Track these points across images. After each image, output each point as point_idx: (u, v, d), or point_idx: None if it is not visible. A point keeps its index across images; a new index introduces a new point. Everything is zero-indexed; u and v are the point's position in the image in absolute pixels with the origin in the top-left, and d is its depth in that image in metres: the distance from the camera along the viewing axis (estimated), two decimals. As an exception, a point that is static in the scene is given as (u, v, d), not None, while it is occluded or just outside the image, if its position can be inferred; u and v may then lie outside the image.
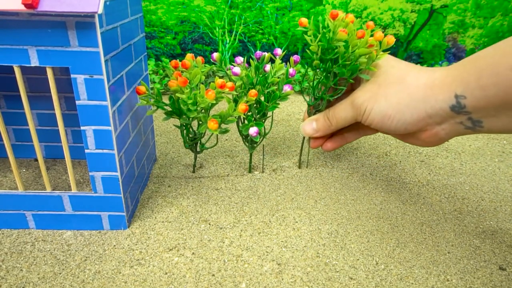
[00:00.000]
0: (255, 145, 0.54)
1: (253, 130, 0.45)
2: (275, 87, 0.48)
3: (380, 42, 0.45)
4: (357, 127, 0.54)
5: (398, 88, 0.44)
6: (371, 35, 0.45)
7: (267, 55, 0.48)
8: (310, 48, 0.47)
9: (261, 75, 0.48)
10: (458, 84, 0.40)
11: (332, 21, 0.44)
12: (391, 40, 0.45)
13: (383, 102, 0.45)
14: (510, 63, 0.36)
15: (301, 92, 0.71)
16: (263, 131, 0.53)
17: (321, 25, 0.46)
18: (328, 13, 0.45)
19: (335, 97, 0.51)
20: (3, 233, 0.41)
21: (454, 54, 1.01)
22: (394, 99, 0.44)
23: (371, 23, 0.46)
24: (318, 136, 0.53)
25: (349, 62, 0.46)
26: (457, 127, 0.43)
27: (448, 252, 0.41)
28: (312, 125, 0.52)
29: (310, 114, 0.54)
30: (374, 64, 0.46)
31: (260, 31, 0.98)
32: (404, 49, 1.00)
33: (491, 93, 0.37)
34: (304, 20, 0.46)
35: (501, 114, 0.39)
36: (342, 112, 0.49)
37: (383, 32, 0.50)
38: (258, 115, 0.50)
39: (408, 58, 1.02)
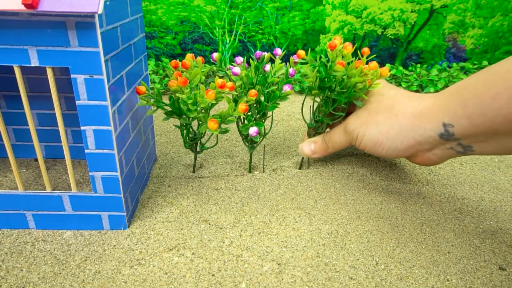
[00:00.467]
0: (255, 145, 0.54)
1: (253, 130, 0.46)
2: (275, 87, 0.48)
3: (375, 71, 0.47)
4: None
5: (387, 116, 0.46)
6: (367, 63, 0.47)
7: (267, 55, 0.49)
8: (309, 80, 0.48)
9: (261, 75, 0.48)
10: (445, 114, 0.41)
11: (331, 52, 0.46)
12: (384, 72, 0.46)
13: (374, 130, 0.47)
14: (493, 93, 0.37)
15: (301, 91, 0.71)
16: (263, 131, 0.53)
17: (318, 56, 0.48)
18: (327, 43, 0.47)
19: (334, 121, 0.53)
20: (3, 233, 0.41)
21: (454, 54, 1.01)
22: (384, 127, 0.46)
23: (366, 50, 0.48)
24: (315, 157, 0.56)
25: (346, 89, 0.48)
26: (448, 152, 0.44)
27: (448, 252, 0.41)
28: (311, 147, 0.55)
29: (309, 135, 0.57)
30: (366, 92, 0.48)
31: (260, 31, 0.98)
32: (404, 49, 1.00)
33: (478, 122, 0.38)
34: (301, 52, 0.48)
35: (490, 140, 0.40)
36: (337, 137, 0.52)
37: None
38: (258, 115, 0.50)
39: (408, 58, 1.02)
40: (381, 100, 0.47)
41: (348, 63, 0.46)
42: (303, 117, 0.57)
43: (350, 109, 0.54)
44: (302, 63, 0.49)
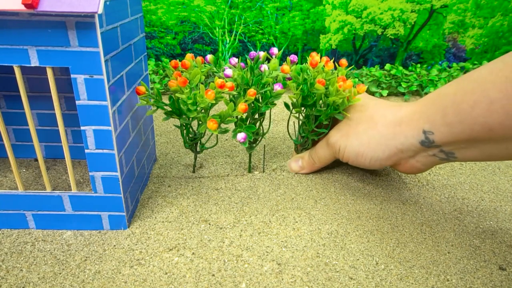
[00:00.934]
0: (253, 145, 0.54)
1: (240, 136, 0.45)
2: (269, 88, 0.48)
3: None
4: None
5: (367, 126, 0.46)
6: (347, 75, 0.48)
7: (262, 54, 0.48)
8: (292, 96, 0.49)
9: (257, 76, 0.48)
10: (425, 121, 0.41)
11: (312, 69, 0.47)
12: (361, 89, 0.47)
13: (355, 141, 0.47)
14: (472, 101, 0.36)
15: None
16: (261, 131, 0.53)
17: (301, 74, 0.49)
18: (309, 60, 0.48)
19: (319, 137, 0.53)
20: (3, 233, 0.41)
21: (454, 54, 1.01)
22: (364, 137, 0.46)
23: (344, 62, 0.50)
24: (304, 173, 0.56)
25: (325, 107, 0.49)
26: (431, 159, 0.44)
27: (448, 252, 0.41)
28: (298, 163, 0.55)
29: (297, 151, 0.57)
30: (347, 107, 0.49)
31: (260, 31, 0.98)
32: (404, 49, 1.00)
33: (457, 130, 0.38)
34: (286, 67, 0.48)
35: (471, 147, 0.40)
36: (321, 151, 0.52)
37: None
38: (252, 116, 0.50)
39: (408, 58, 1.02)
40: (361, 111, 0.47)
41: (329, 80, 0.47)
42: (289, 134, 0.57)
43: (334, 124, 0.54)
44: (287, 78, 0.49)
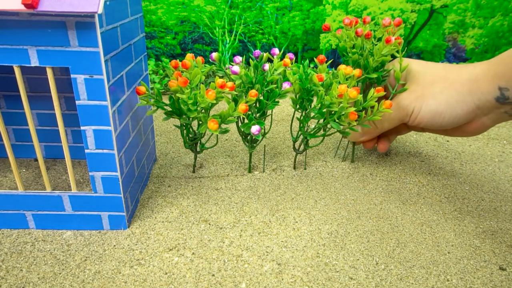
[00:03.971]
0: (255, 144, 0.54)
1: (255, 129, 0.45)
2: (274, 86, 0.48)
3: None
4: (398, 127, 0.56)
5: (443, 86, 0.46)
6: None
7: (265, 55, 0.49)
8: (290, 89, 0.49)
9: (260, 74, 0.48)
10: (500, 78, 0.43)
11: (320, 65, 0.49)
12: (352, 94, 0.46)
13: (432, 101, 0.47)
14: None
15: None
16: (263, 130, 0.53)
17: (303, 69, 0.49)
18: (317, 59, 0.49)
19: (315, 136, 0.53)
20: (3, 233, 0.41)
21: (454, 54, 1.01)
22: (442, 96, 0.46)
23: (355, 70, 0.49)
24: (364, 140, 0.55)
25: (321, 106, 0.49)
26: (502, 116, 0.46)
27: (448, 252, 0.41)
28: (358, 129, 0.55)
29: (296, 151, 0.56)
30: (407, 71, 0.50)
31: (260, 31, 0.98)
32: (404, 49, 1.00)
33: None
34: (287, 60, 0.49)
35: None
36: (387, 115, 0.51)
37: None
38: (257, 114, 0.50)
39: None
40: (432, 73, 0.48)
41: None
42: (291, 133, 0.57)
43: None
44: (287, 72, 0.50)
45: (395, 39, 0.49)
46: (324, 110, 0.48)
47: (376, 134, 0.54)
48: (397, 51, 0.50)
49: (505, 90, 0.43)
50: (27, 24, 0.32)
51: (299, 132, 0.54)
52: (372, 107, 0.48)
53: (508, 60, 0.42)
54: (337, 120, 0.48)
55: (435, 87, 0.47)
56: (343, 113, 0.46)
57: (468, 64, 0.47)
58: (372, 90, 0.47)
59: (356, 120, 0.47)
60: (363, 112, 0.48)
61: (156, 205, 0.47)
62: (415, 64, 0.50)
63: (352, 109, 0.45)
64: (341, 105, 0.45)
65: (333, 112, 0.48)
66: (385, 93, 0.48)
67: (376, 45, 0.50)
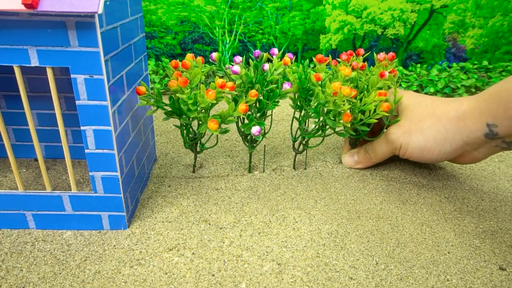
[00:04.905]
0: (255, 144, 0.54)
1: (255, 129, 0.45)
2: (274, 86, 0.48)
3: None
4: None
5: (431, 122, 0.47)
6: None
7: (264, 55, 0.49)
8: (290, 90, 0.49)
9: (259, 74, 0.48)
10: (488, 116, 0.43)
11: (319, 64, 0.49)
12: (345, 92, 0.46)
13: (420, 137, 0.48)
14: None
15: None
16: (263, 130, 0.53)
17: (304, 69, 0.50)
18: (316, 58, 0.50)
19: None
20: (3, 233, 0.41)
21: (454, 54, 1.01)
22: (430, 132, 0.47)
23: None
24: (360, 168, 0.57)
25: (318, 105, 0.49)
26: (494, 149, 0.47)
27: (448, 252, 0.41)
28: (354, 158, 0.56)
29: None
30: (397, 105, 0.51)
31: (260, 31, 0.98)
32: (404, 49, 1.00)
33: None
34: (287, 59, 0.49)
35: None
36: (378, 148, 0.53)
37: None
38: (258, 114, 0.50)
39: (408, 58, 1.02)
40: (420, 108, 0.49)
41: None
42: (292, 133, 0.57)
43: (374, 128, 0.56)
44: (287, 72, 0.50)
45: (390, 72, 0.50)
46: (320, 108, 0.48)
47: (370, 163, 0.56)
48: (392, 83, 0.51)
49: (493, 127, 0.43)
50: (27, 24, 0.32)
51: (298, 132, 0.54)
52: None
53: (494, 96, 0.43)
54: (332, 118, 0.47)
55: (423, 123, 0.48)
56: (340, 110, 0.46)
57: (455, 99, 0.48)
58: (373, 94, 0.47)
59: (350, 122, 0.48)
60: (360, 114, 0.49)
61: (156, 205, 0.47)
62: (405, 98, 0.51)
63: (347, 106, 0.45)
64: (335, 102, 0.45)
65: (328, 110, 0.48)
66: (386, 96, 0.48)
67: (372, 75, 0.51)
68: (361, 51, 0.53)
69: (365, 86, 0.51)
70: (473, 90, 0.91)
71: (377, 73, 0.50)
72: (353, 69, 0.51)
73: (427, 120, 0.47)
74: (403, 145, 0.49)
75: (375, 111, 0.48)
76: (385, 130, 0.52)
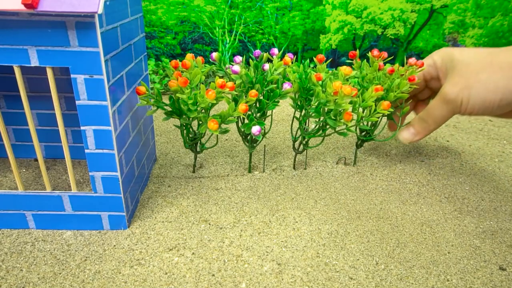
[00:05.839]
0: (255, 144, 0.54)
1: (255, 129, 0.45)
2: (274, 85, 0.48)
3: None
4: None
5: (490, 72, 0.46)
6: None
7: (264, 55, 0.49)
8: (290, 90, 0.50)
9: (260, 74, 0.48)
10: None
11: (319, 64, 0.50)
12: (347, 91, 0.46)
13: (480, 89, 0.46)
14: None
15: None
16: (263, 130, 0.53)
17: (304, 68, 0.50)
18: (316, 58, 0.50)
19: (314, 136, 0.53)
20: (3, 233, 0.41)
21: (454, 54, 1.01)
22: (491, 83, 0.46)
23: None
24: (418, 140, 0.55)
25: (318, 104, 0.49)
26: None
27: (448, 252, 0.41)
28: (410, 131, 0.54)
29: (295, 150, 0.56)
30: (448, 59, 0.51)
31: (260, 31, 0.98)
32: (404, 49, 1.00)
33: None
34: (287, 59, 0.49)
35: None
36: (437, 111, 0.51)
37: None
38: (258, 114, 0.50)
39: (408, 58, 1.01)
40: (476, 61, 0.48)
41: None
42: (292, 133, 0.57)
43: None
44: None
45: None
46: (321, 108, 0.48)
47: (430, 131, 0.53)
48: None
49: None
50: (27, 24, 0.32)
51: (299, 132, 0.54)
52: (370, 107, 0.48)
53: None
54: (333, 117, 0.47)
55: (482, 75, 0.46)
56: (340, 110, 0.46)
57: (507, 48, 0.47)
58: (370, 89, 0.47)
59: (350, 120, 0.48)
60: (362, 111, 0.49)
61: (156, 205, 0.47)
62: (457, 53, 0.50)
63: (348, 106, 0.45)
64: (336, 101, 0.45)
65: (329, 110, 0.48)
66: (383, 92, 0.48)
67: (397, 78, 0.51)
68: (385, 54, 0.53)
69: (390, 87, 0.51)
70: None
71: (406, 76, 0.50)
72: (379, 70, 0.52)
73: (485, 71, 0.46)
74: (463, 101, 0.48)
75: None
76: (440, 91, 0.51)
